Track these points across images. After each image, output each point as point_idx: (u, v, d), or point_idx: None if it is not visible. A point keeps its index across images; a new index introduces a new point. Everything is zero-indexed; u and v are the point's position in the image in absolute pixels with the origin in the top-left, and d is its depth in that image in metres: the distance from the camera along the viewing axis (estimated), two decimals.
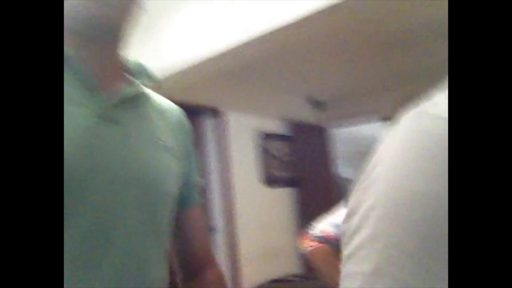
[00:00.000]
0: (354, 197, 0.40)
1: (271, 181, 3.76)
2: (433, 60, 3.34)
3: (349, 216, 0.39)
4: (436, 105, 0.37)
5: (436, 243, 0.33)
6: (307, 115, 4.37)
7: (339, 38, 2.77)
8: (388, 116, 4.28)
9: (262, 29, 2.10)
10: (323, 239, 1.27)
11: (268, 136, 3.83)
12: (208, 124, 3.35)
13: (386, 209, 0.35)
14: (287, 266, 3.74)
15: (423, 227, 0.33)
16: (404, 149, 0.36)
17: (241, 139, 3.53)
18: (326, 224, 1.30)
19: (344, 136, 5.43)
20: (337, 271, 1.37)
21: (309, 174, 4.16)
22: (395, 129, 0.39)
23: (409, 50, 3.12)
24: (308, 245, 1.29)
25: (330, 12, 1.93)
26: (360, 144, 7.18)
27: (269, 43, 2.27)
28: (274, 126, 3.97)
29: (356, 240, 0.37)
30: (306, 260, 1.36)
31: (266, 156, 3.76)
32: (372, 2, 1.91)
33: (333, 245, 1.25)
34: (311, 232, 1.32)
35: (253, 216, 3.47)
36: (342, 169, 6.03)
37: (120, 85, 0.60)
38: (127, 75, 0.63)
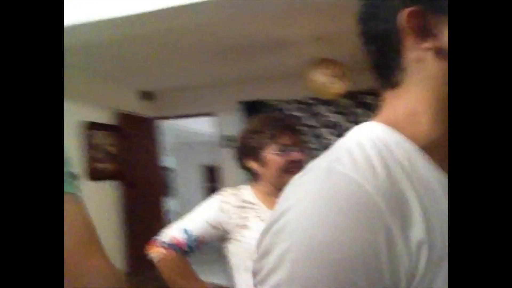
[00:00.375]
0: (267, 237, 0.43)
1: (95, 174, 3.57)
2: (261, 69, 3.72)
3: (263, 255, 0.43)
4: (339, 160, 0.43)
5: (346, 283, 0.38)
6: (135, 105, 4.29)
7: (177, 37, 2.81)
8: (212, 112, 4.55)
9: (96, 16, 2.00)
10: (172, 246, 1.26)
11: (93, 126, 3.62)
12: None
13: (301, 253, 0.39)
14: (114, 262, 3.62)
15: (334, 271, 0.38)
16: (316, 201, 0.40)
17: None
18: (175, 230, 1.29)
19: (170, 128, 5.51)
20: (186, 278, 1.42)
21: (135, 165, 4.09)
22: (305, 180, 0.44)
23: (242, 58, 3.38)
24: (157, 252, 1.27)
25: (171, 12, 1.96)
26: (184, 136, 7.38)
27: (100, 30, 2.17)
28: (100, 115, 3.77)
29: (274, 279, 0.40)
30: (157, 268, 1.29)
31: (90, 147, 3.55)
32: (219, 11, 2.02)
33: (182, 251, 1.26)
34: (160, 238, 1.29)
35: None
36: (167, 160, 6.10)
37: None
38: None
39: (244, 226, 1.21)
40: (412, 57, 0.47)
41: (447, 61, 0.45)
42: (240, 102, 4.07)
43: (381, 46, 0.49)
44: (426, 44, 0.45)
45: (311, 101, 3.91)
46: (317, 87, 2.98)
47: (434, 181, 0.44)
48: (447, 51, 0.44)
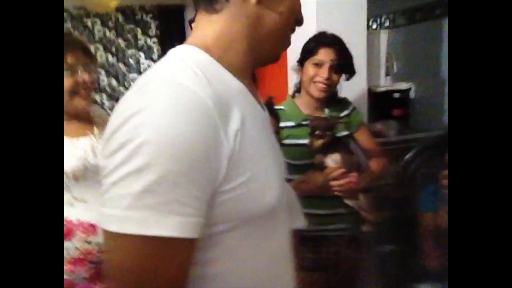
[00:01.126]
0: (118, 135, 0.48)
1: None
2: None
3: (114, 151, 0.48)
4: (174, 74, 0.52)
5: (193, 170, 0.47)
6: None
7: None
8: None
9: None
10: None
11: None
12: None
13: (156, 146, 0.46)
14: None
15: (184, 158, 0.47)
16: (164, 105, 0.48)
17: None
18: None
19: None
20: None
21: None
22: (151, 89, 0.51)
23: None
24: None
25: None
26: None
27: None
28: None
29: (124, 170, 0.46)
30: None
31: None
32: None
33: None
34: None
35: None
36: None
37: None
38: None
39: None
40: None
41: (266, 8, 0.59)
42: None
43: None
44: None
45: (77, 12, 3.58)
46: None
47: (241, 89, 0.59)
48: (267, 1, 0.59)
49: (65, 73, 1.14)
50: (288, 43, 0.66)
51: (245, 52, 0.61)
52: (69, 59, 1.15)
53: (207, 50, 0.58)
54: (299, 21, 0.66)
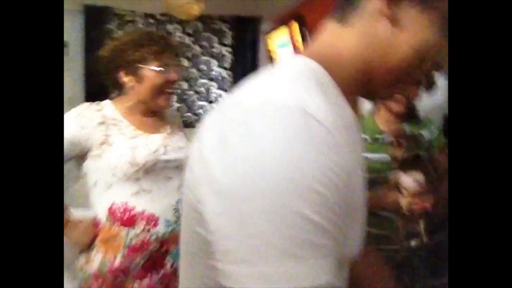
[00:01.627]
0: (235, 177, 0.40)
1: None
2: None
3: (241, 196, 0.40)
4: (298, 98, 0.42)
5: (333, 212, 0.40)
6: None
7: None
8: None
9: None
10: None
11: None
12: None
13: (295, 189, 0.39)
14: None
15: (324, 200, 0.40)
16: (293, 142, 0.39)
17: None
18: None
19: None
20: None
21: None
22: (230, 119, 0.43)
23: None
24: None
25: None
26: None
27: None
28: None
29: (261, 219, 0.39)
30: None
31: None
32: None
33: None
34: None
35: None
36: None
37: None
38: None
39: (106, 142, 1.18)
40: (370, 7, 0.49)
41: (401, 34, 0.48)
42: (85, 6, 3.69)
43: None
44: (386, 8, 0.48)
45: (162, 18, 3.80)
46: (174, 5, 2.92)
47: (352, 118, 0.52)
48: (396, 20, 0.48)
49: (159, 70, 1.22)
50: (412, 92, 0.53)
51: (359, 78, 0.51)
52: (164, 58, 1.23)
53: (327, 65, 0.50)
54: (429, 75, 0.52)
